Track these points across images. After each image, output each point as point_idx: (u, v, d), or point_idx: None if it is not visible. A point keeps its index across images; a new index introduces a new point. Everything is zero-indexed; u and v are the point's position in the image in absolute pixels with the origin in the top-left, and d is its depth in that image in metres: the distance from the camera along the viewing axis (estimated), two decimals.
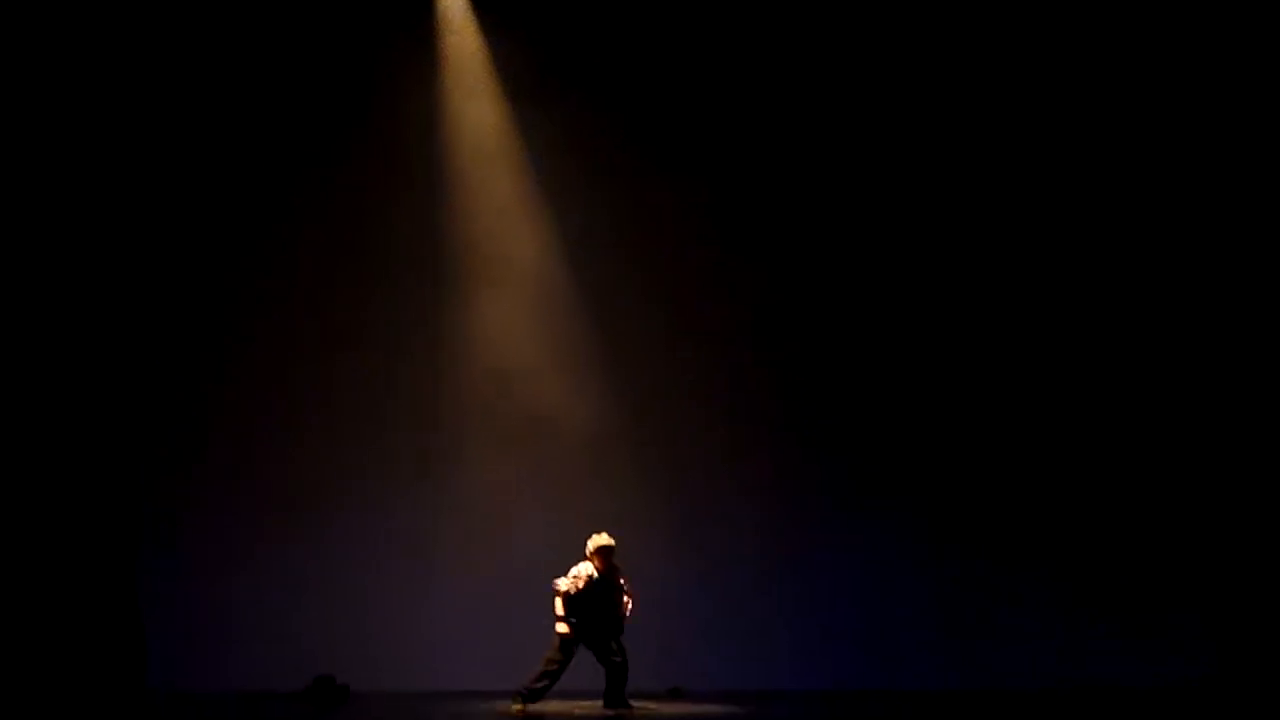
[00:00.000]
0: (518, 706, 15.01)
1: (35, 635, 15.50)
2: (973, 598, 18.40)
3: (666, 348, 18.35)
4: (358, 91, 17.73)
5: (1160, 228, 18.63)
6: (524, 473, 17.77)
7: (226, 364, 17.51)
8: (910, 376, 18.68)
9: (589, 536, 15.18)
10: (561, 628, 15.05)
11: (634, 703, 15.25)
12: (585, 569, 15.15)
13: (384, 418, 17.67)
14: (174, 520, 16.85)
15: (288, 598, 17.10)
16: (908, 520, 18.36)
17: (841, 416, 18.50)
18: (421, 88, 18.06)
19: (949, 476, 18.55)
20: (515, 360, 18.09)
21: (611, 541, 15.20)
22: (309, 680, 16.69)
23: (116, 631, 15.81)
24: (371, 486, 17.44)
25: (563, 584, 15.06)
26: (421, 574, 17.36)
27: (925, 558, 18.42)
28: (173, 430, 17.05)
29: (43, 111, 16.20)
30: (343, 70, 17.72)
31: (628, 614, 15.22)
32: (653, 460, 18.05)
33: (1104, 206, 18.70)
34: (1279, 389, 18.48)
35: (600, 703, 15.23)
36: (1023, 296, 18.68)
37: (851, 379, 18.63)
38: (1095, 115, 18.59)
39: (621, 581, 15.27)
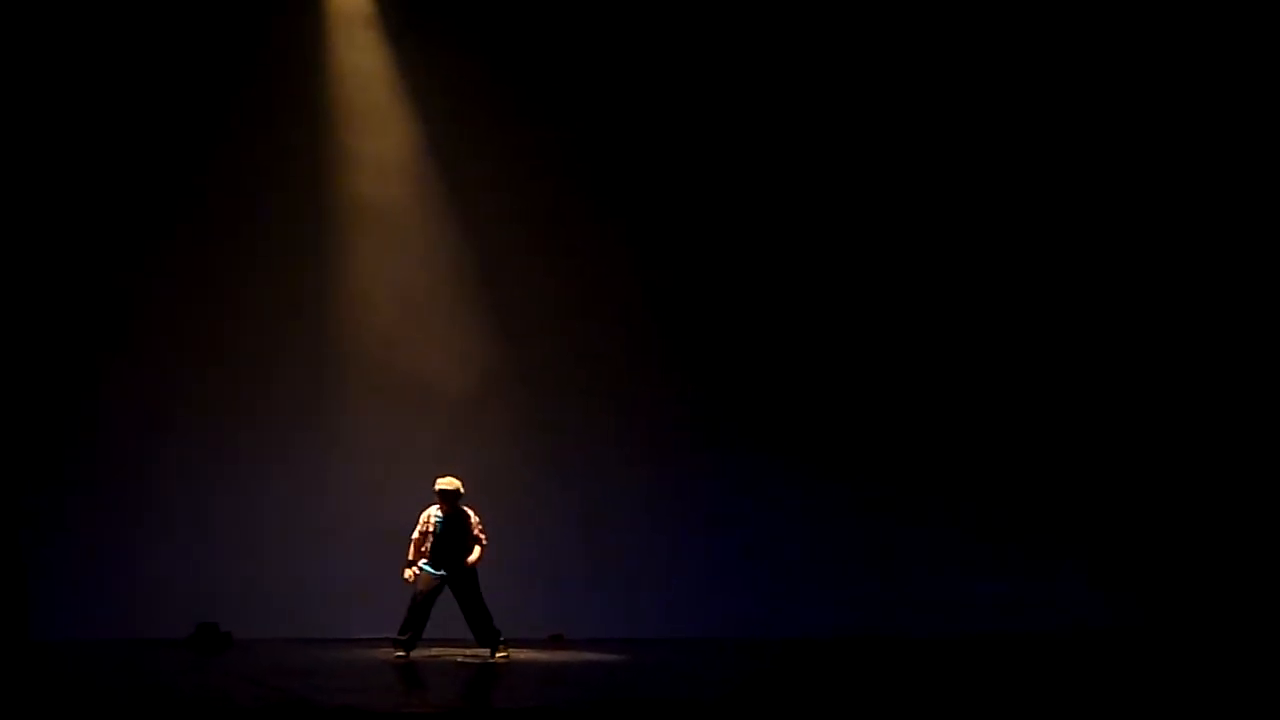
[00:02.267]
0: (400, 654, 15.25)
1: None
2: (856, 547, 18.74)
3: (552, 306, 18.38)
4: (240, 42, 17.46)
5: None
6: (407, 425, 17.76)
7: (108, 313, 17.27)
8: (796, 326, 18.94)
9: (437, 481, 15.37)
10: (407, 574, 15.34)
11: (502, 653, 15.38)
12: (429, 512, 15.39)
13: (270, 367, 17.57)
14: (55, 468, 16.70)
15: (170, 546, 17.04)
16: (788, 472, 18.61)
17: (720, 370, 18.70)
18: (305, 34, 17.82)
19: (835, 429, 18.82)
20: (400, 315, 18.05)
21: (454, 485, 15.37)
22: (192, 628, 16.87)
23: None
24: (256, 436, 17.39)
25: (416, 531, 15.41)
26: (305, 522, 17.34)
27: (809, 509, 18.69)
28: (53, 378, 16.85)
29: None
30: (224, 22, 17.47)
31: (472, 559, 15.32)
32: (535, 414, 18.14)
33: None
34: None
35: (484, 652, 15.45)
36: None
37: (733, 332, 18.83)
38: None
39: (475, 527, 15.41)
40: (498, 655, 15.33)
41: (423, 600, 15.34)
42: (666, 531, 18.30)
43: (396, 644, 15.32)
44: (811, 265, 19.00)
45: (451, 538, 15.36)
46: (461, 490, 15.40)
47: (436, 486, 15.38)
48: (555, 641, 17.49)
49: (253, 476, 17.32)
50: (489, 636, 15.41)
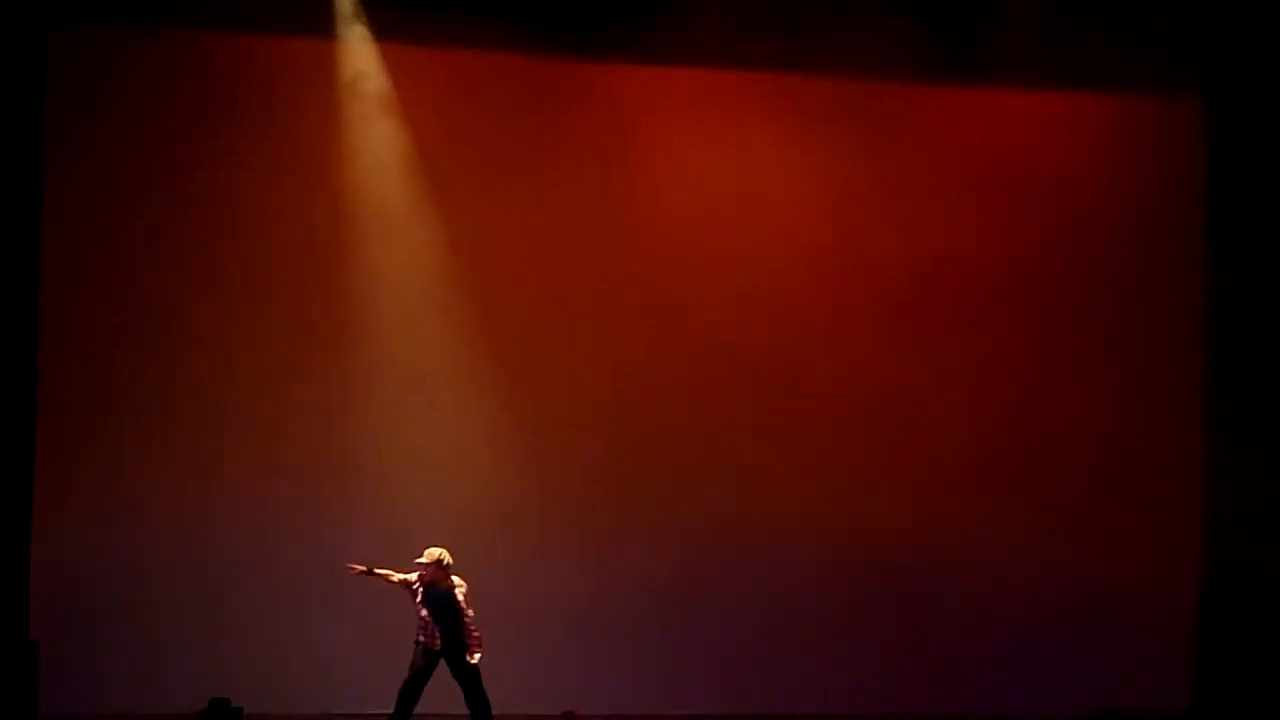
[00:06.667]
0: None
1: None
2: (875, 623, 18.49)
3: (578, 383, 18.25)
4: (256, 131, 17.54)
5: None
6: (423, 502, 17.63)
7: (115, 379, 17.33)
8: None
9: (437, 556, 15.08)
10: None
11: None
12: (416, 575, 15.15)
13: (281, 439, 17.55)
14: (62, 539, 16.67)
15: (183, 619, 17.07)
16: (808, 547, 18.42)
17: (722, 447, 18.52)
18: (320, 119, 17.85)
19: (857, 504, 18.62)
20: (417, 392, 18.00)
21: (439, 555, 15.05)
22: (205, 703, 16.77)
23: (5, 657, 15.80)
24: (268, 508, 17.37)
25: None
26: (319, 596, 17.25)
27: (830, 584, 18.46)
28: (61, 446, 16.75)
29: None
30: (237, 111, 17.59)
31: (470, 640, 15.08)
32: (549, 487, 18.02)
33: None
34: None
35: None
36: None
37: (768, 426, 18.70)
38: None
39: (460, 602, 15.15)
40: None
41: (413, 680, 15.03)
42: (684, 603, 18.06)
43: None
44: None
45: (440, 610, 15.04)
46: (446, 561, 15.11)
47: (428, 557, 15.02)
48: (567, 718, 17.34)
49: (266, 551, 17.28)
50: None
